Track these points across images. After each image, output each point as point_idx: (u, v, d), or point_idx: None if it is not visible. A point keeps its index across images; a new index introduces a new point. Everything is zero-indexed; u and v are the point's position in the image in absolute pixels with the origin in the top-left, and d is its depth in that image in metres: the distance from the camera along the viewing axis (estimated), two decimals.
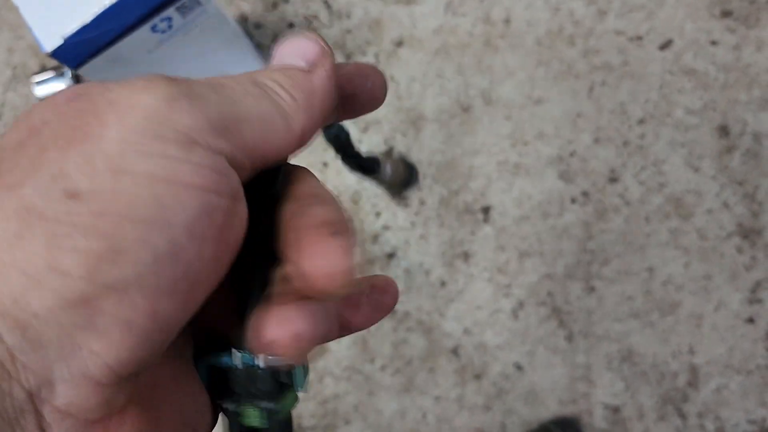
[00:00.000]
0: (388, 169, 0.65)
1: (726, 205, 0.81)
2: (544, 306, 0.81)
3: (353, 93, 0.24)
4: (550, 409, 0.81)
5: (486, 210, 0.82)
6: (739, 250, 0.81)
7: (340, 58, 0.84)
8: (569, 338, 0.81)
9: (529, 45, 0.83)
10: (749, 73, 0.81)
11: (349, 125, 0.83)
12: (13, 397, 0.17)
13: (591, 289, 0.81)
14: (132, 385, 0.19)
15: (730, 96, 0.81)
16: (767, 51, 0.81)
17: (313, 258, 0.19)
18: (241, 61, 0.71)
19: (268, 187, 0.22)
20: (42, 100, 0.80)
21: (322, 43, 0.22)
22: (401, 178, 0.73)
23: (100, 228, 0.17)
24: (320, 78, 0.21)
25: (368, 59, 0.84)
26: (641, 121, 0.82)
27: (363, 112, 0.25)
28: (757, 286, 0.80)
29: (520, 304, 0.81)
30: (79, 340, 0.17)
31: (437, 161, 0.83)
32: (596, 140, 0.82)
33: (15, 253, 0.17)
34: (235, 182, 0.19)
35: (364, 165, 0.55)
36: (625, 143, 0.81)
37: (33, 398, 0.17)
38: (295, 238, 0.20)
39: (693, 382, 0.80)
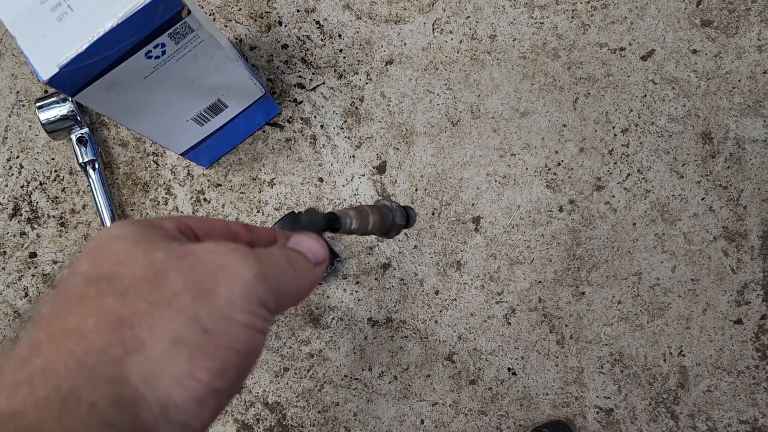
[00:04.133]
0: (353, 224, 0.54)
1: (711, 209, 0.83)
2: (535, 312, 0.83)
3: None
4: (545, 413, 0.83)
5: (477, 220, 0.84)
6: (726, 253, 0.82)
7: (332, 77, 0.87)
8: (561, 343, 0.83)
9: (514, 59, 0.85)
10: (730, 81, 0.83)
11: (342, 142, 0.86)
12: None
13: (581, 295, 0.83)
14: None
15: (712, 103, 0.84)
16: (747, 58, 0.83)
17: None
18: (234, 84, 0.73)
19: None
20: (85, 166, 0.83)
21: (326, 251, 0.37)
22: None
23: (219, 355, 0.28)
24: (320, 271, 0.37)
25: (360, 77, 0.87)
26: (625, 130, 0.84)
27: None
28: (744, 287, 0.82)
29: (512, 311, 0.83)
30: (192, 423, 0.29)
31: (429, 174, 0.85)
32: (582, 150, 0.84)
33: (171, 366, 0.28)
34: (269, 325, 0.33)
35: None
36: (611, 152, 0.84)
37: None
38: None
39: (684, 384, 0.82)
